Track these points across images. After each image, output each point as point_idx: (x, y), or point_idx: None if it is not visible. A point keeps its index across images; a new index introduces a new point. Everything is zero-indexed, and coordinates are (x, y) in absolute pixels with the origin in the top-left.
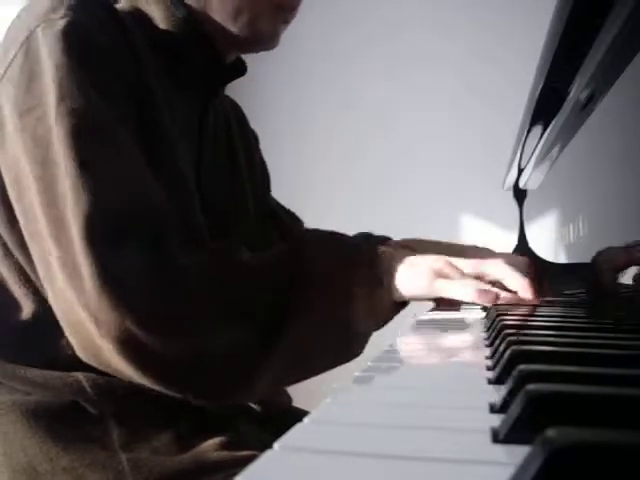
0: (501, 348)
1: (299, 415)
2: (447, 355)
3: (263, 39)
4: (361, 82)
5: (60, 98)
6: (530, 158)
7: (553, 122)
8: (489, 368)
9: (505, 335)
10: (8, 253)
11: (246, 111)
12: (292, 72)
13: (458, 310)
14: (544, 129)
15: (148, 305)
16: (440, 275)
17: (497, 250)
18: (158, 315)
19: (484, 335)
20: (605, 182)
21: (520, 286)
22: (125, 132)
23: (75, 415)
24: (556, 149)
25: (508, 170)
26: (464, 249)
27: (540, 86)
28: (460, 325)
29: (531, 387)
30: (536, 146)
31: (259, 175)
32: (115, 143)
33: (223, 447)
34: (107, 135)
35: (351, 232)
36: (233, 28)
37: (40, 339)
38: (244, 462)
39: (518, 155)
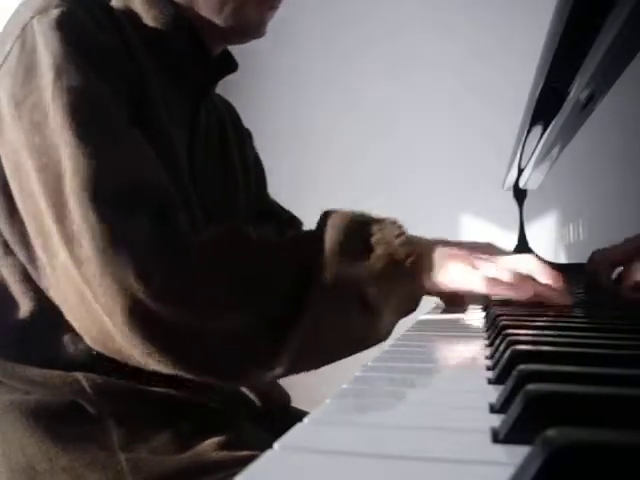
0: (501, 348)
1: (299, 415)
2: (447, 355)
3: (250, 28)
4: (361, 82)
5: (56, 78)
6: (530, 158)
7: (553, 122)
8: (489, 368)
9: (505, 335)
10: (8, 251)
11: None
12: (292, 72)
13: (464, 310)
14: (544, 129)
15: (155, 270)
16: (465, 263)
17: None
18: (170, 282)
19: (484, 335)
20: (605, 182)
21: (552, 277)
22: (122, 111)
23: (74, 415)
24: (556, 149)
25: (508, 170)
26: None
27: (540, 86)
28: (460, 325)
29: (531, 387)
30: (536, 146)
31: (253, 173)
32: (114, 119)
33: (222, 447)
34: (105, 111)
35: None
36: (219, 20)
37: (40, 338)
38: (243, 462)
39: (518, 155)
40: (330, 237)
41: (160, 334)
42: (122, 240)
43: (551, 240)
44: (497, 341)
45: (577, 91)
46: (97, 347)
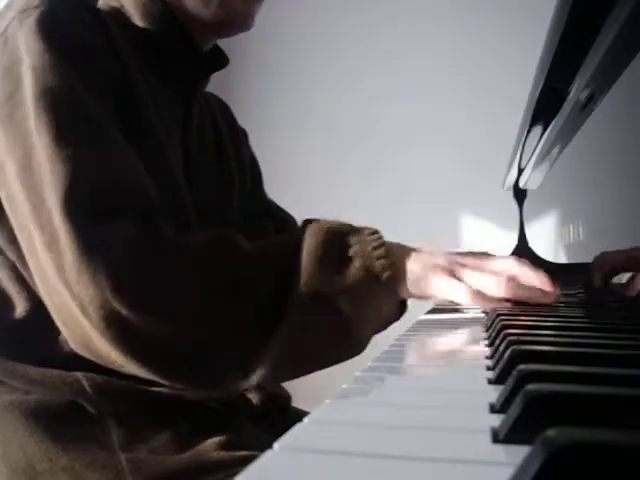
0: (501, 348)
1: (299, 415)
2: (447, 355)
3: (237, 20)
4: (361, 82)
5: (36, 80)
6: (530, 158)
7: (553, 122)
8: (489, 368)
9: (505, 335)
10: (2, 252)
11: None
12: (292, 72)
13: (448, 310)
14: (544, 129)
15: (131, 278)
16: (444, 273)
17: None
18: (142, 289)
19: (484, 335)
20: (605, 182)
21: (536, 279)
22: (105, 114)
23: (74, 415)
24: (556, 149)
25: (508, 170)
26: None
27: (540, 86)
28: (460, 325)
29: (531, 387)
30: (536, 146)
31: (249, 173)
32: (94, 122)
33: (222, 447)
34: (85, 114)
35: None
36: (206, 14)
37: (37, 337)
38: (243, 462)
39: (518, 155)
40: (308, 247)
41: (135, 342)
42: (97, 248)
43: (551, 240)
44: (497, 341)
45: (577, 91)
46: (80, 350)
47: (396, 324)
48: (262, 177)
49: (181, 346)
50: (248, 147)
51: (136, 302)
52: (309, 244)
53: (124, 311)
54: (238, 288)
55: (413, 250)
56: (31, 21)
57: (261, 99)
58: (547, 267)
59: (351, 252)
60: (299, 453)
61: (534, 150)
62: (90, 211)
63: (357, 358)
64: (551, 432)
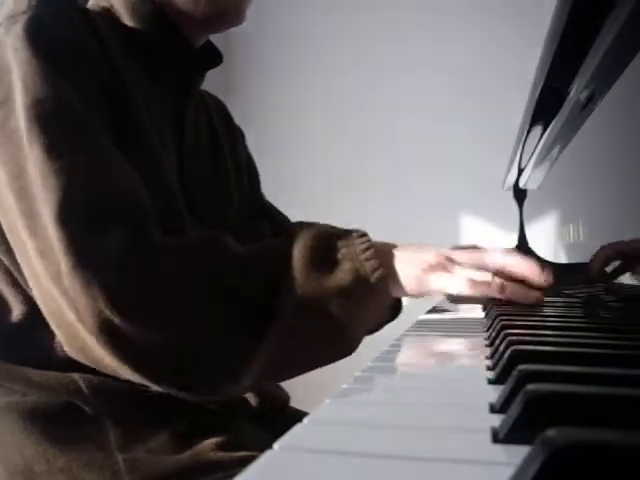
0: (501, 348)
1: (298, 415)
2: (447, 355)
3: (228, 14)
4: (361, 83)
5: (25, 91)
6: (530, 158)
7: (553, 122)
8: (489, 368)
9: (505, 335)
10: None
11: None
12: (292, 76)
13: (448, 310)
14: (544, 129)
15: (124, 288)
16: (435, 270)
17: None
18: (135, 299)
19: (484, 335)
20: (605, 182)
21: (528, 269)
22: (96, 120)
23: (71, 416)
24: (556, 149)
25: (508, 170)
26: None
27: (540, 86)
28: (460, 325)
29: (531, 387)
30: (536, 146)
31: (246, 173)
32: (85, 130)
33: (220, 447)
34: (76, 123)
35: None
36: (196, 9)
37: (32, 339)
38: (242, 462)
39: (518, 155)
40: (298, 252)
41: (128, 349)
42: (91, 260)
43: (551, 240)
44: (497, 341)
45: (577, 91)
46: (74, 355)
47: (396, 324)
48: (259, 178)
49: (173, 352)
50: (244, 147)
51: (128, 312)
52: (299, 249)
53: (117, 320)
54: (228, 292)
55: (401, 248)
56: (18, 27)
57: (261, 102)
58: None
59: (340, 255)
60: (299, 453)
61: (534, 150)
62: (84, 222)
63: (357, 358)
64: (551, 432)
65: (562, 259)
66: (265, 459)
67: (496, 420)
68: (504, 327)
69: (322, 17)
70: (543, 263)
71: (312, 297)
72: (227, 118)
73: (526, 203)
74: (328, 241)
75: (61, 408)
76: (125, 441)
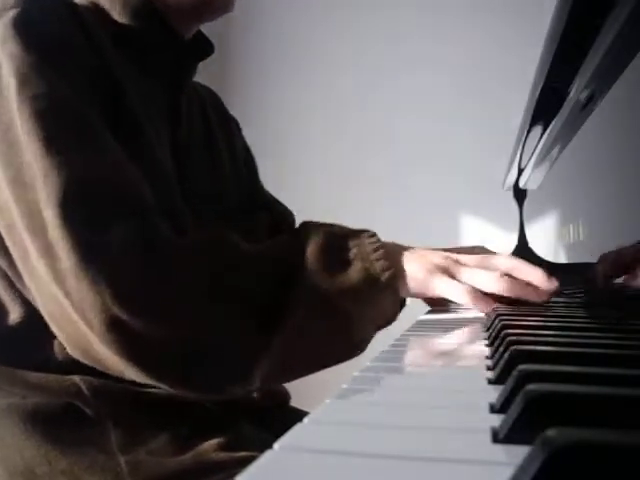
0: (501, 348)
1: (298, 415)
2: (447, 355)
3: (216, 2)
4: (361, 83)
5: (19, 88)
6: (530, 158)
7: (553, 122)
8: (489, 368)
9: (505, 335)
10: None
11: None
12: (292, 76)
13: (448, 310)
14: (544, 129)
15: (134, 283)
16: (442, 273)
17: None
18: (142, 293)
19: (484, 335)
20: (605, 182)
21: (534, 274)
22: (93, 115)
23: (72, 418)
24: (556, 149)
25: (508, 170)
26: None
27: (540, 86)
28: (460, 325)
29: (531, 387)
30: (536, 146)
31: (242, 164)
32: (82, 124)
33: (222, 448)
34: (73, 117)
35: None
36: (184, 1)
37: (32, 342)
38: (243, 463)
39: (518, 155)
40: (310, 251)
41: (135, 346)
42: (95, 254)
43: (551, 240)
44: (497, 341)
45: (577, 91)
46: (78, 356)
47: (396, 324)
48: (257, 169)
49: (180, 350)
50: (241, 137)
51: (136, 307)
52: (311, 248)
53: (125, 316)
54: (238, 290)
55: (410, 249)
56: (7, 22)
57: (261, 102)
58: (547, 267)
59: (351, 255)
60: (299, 453)
61: (534, 150)
62: (86, 217)
63: (357, 358)
64: (551, 432)
65: (562, 259)
66: (265, 459)
67: (496, 420)
68: (504, 327)
69: (322, 17)
70: (549, 272)
71: (324, 296)
72: (221, 109)
73: (526, 203)
74: (339, 241)
75: (62, 410)
76: (126, 443)
